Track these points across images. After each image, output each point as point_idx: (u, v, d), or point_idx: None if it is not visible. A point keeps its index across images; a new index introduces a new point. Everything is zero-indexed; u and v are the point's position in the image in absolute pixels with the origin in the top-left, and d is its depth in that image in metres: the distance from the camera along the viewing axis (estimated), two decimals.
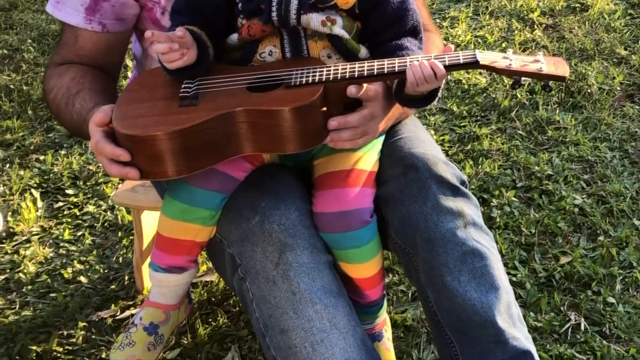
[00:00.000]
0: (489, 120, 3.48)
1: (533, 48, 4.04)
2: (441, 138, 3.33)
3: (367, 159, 1.92)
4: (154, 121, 1.73)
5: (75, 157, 3.33)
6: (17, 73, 4.01)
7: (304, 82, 1.75)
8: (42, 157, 3.36)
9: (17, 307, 2.60)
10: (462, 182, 1.97)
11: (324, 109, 1.76)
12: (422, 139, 2.05)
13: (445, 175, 1.93)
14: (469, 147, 3.29)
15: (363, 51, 1.86)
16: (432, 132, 3.39)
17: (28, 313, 2.56)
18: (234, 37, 1.86)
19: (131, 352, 1.95)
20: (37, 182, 3.19)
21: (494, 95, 3.63)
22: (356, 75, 1.75)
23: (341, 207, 1.86)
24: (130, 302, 2.58)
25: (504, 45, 4.08)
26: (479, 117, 3.51)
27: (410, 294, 2.55)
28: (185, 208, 1.87)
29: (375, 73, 1.74)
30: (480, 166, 3.15)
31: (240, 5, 1.84)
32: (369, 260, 1.94)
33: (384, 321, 2.14)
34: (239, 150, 1.75)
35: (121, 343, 1.96)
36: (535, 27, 4.27)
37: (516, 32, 4.21)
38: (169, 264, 1.95)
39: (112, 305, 2.57)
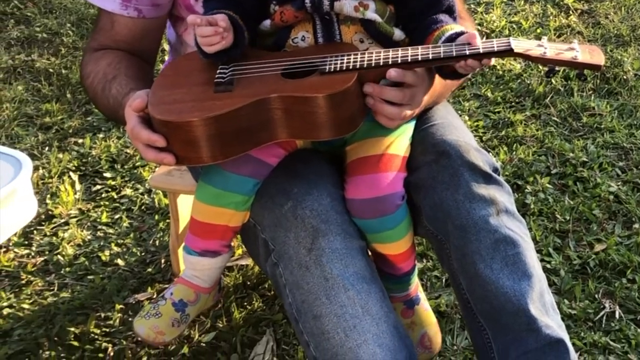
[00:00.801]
0: (523, 106, 3.48)
1: (568, 34, 4.02)
2: (475, 124, 3.33)
3: (399, 143, 1.93)
4: (190, 107, 1.75)
5: (113, 141, 3.37)
6: (57, 57, 4.06)
7: (337, 68, 1.76)
8: (80, 141, 3.40)
9: (56, 288, 2.64)
10: (495, 170, 1.98)
11: (359, 95, 1.77)
12: (454, 125, 2.06)
13: (478, 162, 1.93)
14: (503, 133, 3.29)
15: (397, 33, 1.87)
16: (466, 117, 3.40)
17: (66, 295, 2.61)
18: (267, 23, 1.88)
19: (155, 323, 1.97)
20: (76, 165, 3.24)
21: (528, 82, 3.62)
22: (390, 63, 1.76)
23: (374, 193, 1.87)
24: (167, 285, 2.61)
25: (538, 31, 4.07)
26: (513, 103, 3.51)
27: (444, 280, 2.57)
28: (219, 193, 1.89)
29: (409, 60, 1.75)
30: (514, 152, 3.15)
31: None
32: (402, 238, 1.96)
33: (417, 285, 2.17)
34: (274, 136, 1.77)
35: (147, 312, 1.98)
36: (571, 12, 4.26)
37: (551, 17, 4.20)
38: (202, 248, 1.98)
39: (149, 288, 2.61)
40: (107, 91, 2.02)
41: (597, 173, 3.02)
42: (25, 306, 2.55)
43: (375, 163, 1.89)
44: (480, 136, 3.26)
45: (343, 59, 1.78)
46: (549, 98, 3.50)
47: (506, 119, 3.38)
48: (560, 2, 4.36)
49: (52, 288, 2.65)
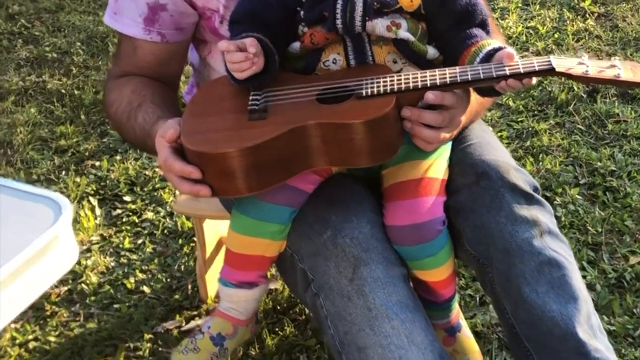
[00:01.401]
0: (546, 114, 3.43)
1: (586, 38, 3.97)
2: (499, 134, 3.29)
3: (438, 166, 1.88)
4: (224, 137, 1.70)
5: (130, 162, 3.33)
6: (68, 77, 4.01)
7: (375, 92, 1.71)
8: (97, 163, 3.36)
9: (82, 319, 2.60)
10: (535, 189, 1.93)
11: (397, 120, 1.72)
12: (491, 144, 2.01)
13: (518, 182, 1.88)
14: (528, 143, 3.24)
15: (431, 51, 1.82)
16: (490, 128, 3.34)
17: (93, 325, 2.56)
18: (296, 45, 1.83)
19: (194, 359, 1.93)
20: (94, 189, 3.19)
21: (549, 89, 3.57)
22: (429, 85, 1.71)
23: (414, 220, 1.82)
24: (195, 312, 2.57)
25: (556, 36, 4.02)
26: (536, 112, 3.46)
27: (478, 298, 2.52)
28: (254, 223, 1.84)
29: (448, 82, 1.70)
30: (541, 163, 3.10)
31: (302, 13, 1.81)
32: (443, 265, 1.90)
33: (457, 311, 2.11)
34: (311, 164, 1.72)
35: (185, 347, 1.93)
36: (587, 16, 4.21)
37: (568, 22, 4.15)
38: (239, 280, 1.93)
39: (177, 316, 2.56)
40: (132, 120, 1.98)
41: (627, 182, 2.97)
42: (52, 339, 2.51)
43: (414, 188, 1.84)
44: (504, 147, 3.21)
45: (379, 82, 1.73)
46: (572, 105, 3.44)
47: (530, 129, 3.32)
48: (577, 5, 4.31)
49: (77, 319, 2.60)
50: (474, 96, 1.88)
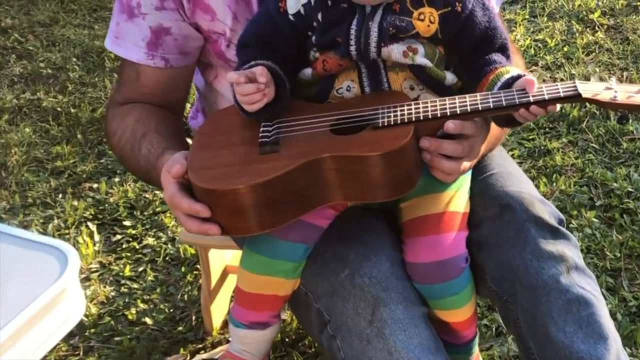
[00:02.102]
0: (558, 132, 3.33)
1: (597, 52, 3.88)
2: (510, 153, 3.19)
3: (459, 199, 1.79)
4: (234, 172, 1.60)
5: (130, 185, 3.22)
6: (64, 94, 3.91)
7: (392, 122, 1.62)
8: (95, 185, 3.25)
9: (81, 353, 2.50)
10: (560, 222, 1.84)
11: (415, 151, 1.63)
12: (514, 174, 1.92)
13: (543, 215, 1.80)
14: (540, 162, 3.14)
15: (449, 77, 1.73)
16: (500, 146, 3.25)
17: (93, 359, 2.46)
18: (308, 71, 1.74)
19: None
20: (93, 213, 3.09)
21: (561, 105, 3.46)
22: (448, 113, 1.62)
23: (436, 257, 1.73)
24: (200, 345, 2.48)
25: (565, 49, 3.93)
26: (547, 129, 3.36)
27: (494, 329, 2.43)
28: (267, 261, 1.75)
29: (469, 110, 1.61)
30: (554, 184, 3.00)
31: (314, 38, 1.72)
32: (466, 304, 1.81)
33: (477, 354, 2.01)
34: (326, 199, 1.63)
35: None
36: (597, 28, 4.12)
37: (577, 34, 4.06)
38: (250, 320, 1.83)
39: (181, 349, 2.46)
40: (136, 151, 1.88)
41: None
42: None
43: (435, 223, 1.75)
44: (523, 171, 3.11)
45: (397, 111, 1.63)
46: (584, 123, 3.34)
47: (542, 147, 3.23)
48: (585, 17, 4.22)
49: (77, 352, 2.50)
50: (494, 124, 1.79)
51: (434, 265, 1.73)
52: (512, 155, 3.18)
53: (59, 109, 3.77)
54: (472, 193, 1.84)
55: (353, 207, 1.82)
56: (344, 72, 1.73)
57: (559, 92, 1.60)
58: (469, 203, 1.83)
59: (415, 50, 1.68)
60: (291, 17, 1.73)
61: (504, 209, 1.80)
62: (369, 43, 1.67)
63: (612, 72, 3.68)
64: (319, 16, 1.70)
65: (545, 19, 4.23)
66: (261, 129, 1.67)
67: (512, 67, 1.69)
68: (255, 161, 1.61)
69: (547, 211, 1.82)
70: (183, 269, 2.78)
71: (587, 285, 1.77)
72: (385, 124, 1.62)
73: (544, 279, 1.74)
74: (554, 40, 4.01)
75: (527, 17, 4.28)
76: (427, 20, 1.68)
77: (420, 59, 1.69)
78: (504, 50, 1.73)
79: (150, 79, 1.97)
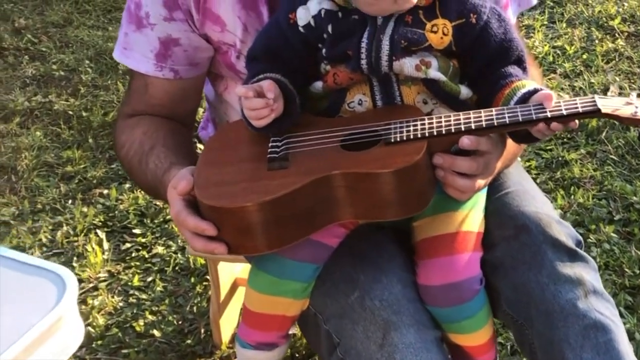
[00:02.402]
0: (576, 142, 3.26)
1: (617, 59, 3.81)
2: (527, 164, 3.13)
3: (473, 218, 1.73)
4: (242, 189, 1.56)
5: (140, 192, 3.17)
6: (75, 97, 3.87)
7: (404, 137, 1.56)
8: (105, 192, 3.21)
9: None
10: (578, 243, 1.79)
11: (428, 167, 1.58)
12: (530, 193, 1.87)
13: (561, 237, 1.74)
14: (558, 174, 3.08)
15: (464, 91, 1.67)
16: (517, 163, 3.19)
17: None
18: (318, 85, 1.69)
19: None
20: (102, 220, 3.05)
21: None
22: (463, 129, 1.56)
23: (449, 279, 1.67)
24: (208, 359, 2.43)
25: (584, 56, 3.86)
26: (565, 140, 3.30)
27: (509, 347, 2.37)
28: (274, 281, 1.70)
29: (484, 126, 1.56)
30: (572, 196, 2.94)
31: (324, 50, 1.67)
32: (482, 328, 1.75)
33: None
34: (336, 217, 1.58)
35: None
36: (617, 35, 4.04)
37: (597, 41, 3.99)
38: (257, 341, 1.78)
39: None
40: (144, 165, 1.84)
41: None
42: None
43: (448, 244, 1.69)
44: (533, 178, 3.04)
45: (409, 127, 1.58)
46: (603, 133, 3.28)
47: (560, 158, 3.16)
48: (605, 24, 4.14)
49: None
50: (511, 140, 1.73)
51: (446, 287, 1.68)
52: (529, 167, 3.12)
53: (70, 112, 3.73)
54: (487, 212, 1.79)
55: (364, 225, 1.76)
56: (355, 86, 1.68)
57: (577, 108, 1.55)
58: (484, 222, 1.77)
59: (429, 64, 1.63)
60: (301, 29, 1.68)
61: (519, 229, 1.75)
62: (380, 57, 1.62)
63: (632, 80, 3.61)
64: (329, 28, 1.65)
65: (565, 25, 4.16)
66: (270, 144, 1.63)
67: (529, 81, 1.64)
68: (264, 177, 1.57)
69: (565, 232, 1.76)
70: (193, 279, 2.74)
71: (606, 310, 1.71)
72: (398, 139, 1.56)
73: (560, 303, 1.68)
74: (573, 48, 3.94)
75: (545, 23, 4.21)
76: (440, 32, 1.63)
77: (434, 73, 1.64)
78: (520, 62, 1.68)
79: (159, 91, 1.92)
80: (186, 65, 1.90)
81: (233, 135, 1.72)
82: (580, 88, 3.59)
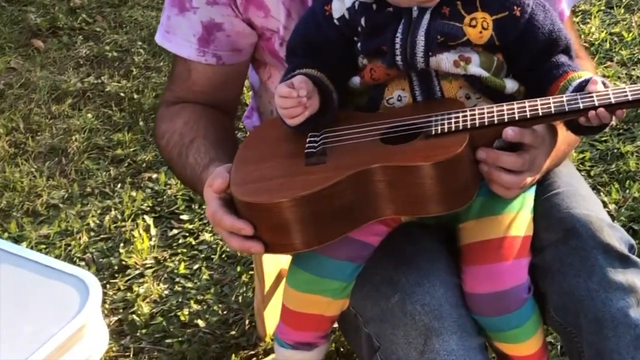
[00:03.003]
0: (633, 134, 3.16)
1: None
2: (581, 156, 3.04)
3: (521, 221, 1.68)
4: (278, 185, 1.53)
5: None
6: (128, 79, 3.86)
7: (445, 130, 1.52)
8: (154, 176, 3.19)
9: (132, 354, 2.45)
10: (631, 248, 1.73)
11: (471, 161, 1.53)
12: (581, 194, 1.80)
13: (613, 242, 1.68)
14: (613, 167, 2.99)
15: (509, 86, 1.61)
16: (568, 162, 3.11)
17: None
18: (356, 80, 1.65)
19: None
20: (150, 205, 3.03)
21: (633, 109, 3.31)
22: (506, 120, 1.51)
23: (495, 287, 1.63)
24: (252, 352, 2.41)
25: None
26: (621, 131, 3.20)
27: (559, 347, 2.31)
28: (313, 279, 1.67)
29: (528, 116, 1.51)
30: (627, 191, 2.86)
31: (359, 44, 1.63)
32: (531, 337, 1.70)
33: None
34: (376, 214, 1.54)
35: None
36: None
37: None
38: (296, 340, 1.76)
39: (233, 356, 2.40)
40: (183, 158, 1.81)
41: None
42: None
43: (495, 249, 1.64)
44: (587, 170, 2.98)
45: (450, 119, 1.53)
46: None
47: (615, 150, 3.07)
48: None
49: (127, 353, 2.46)
50: (561, 135, 1.67)
51: (492, 296, 1.63)
52: (583, 159, 3.04)
53: (122, 94, 3.72)
54: (535, 213, 1.73)
55: (407, 224, 1.72)
56: (394, 81, 1.63)
57: (626, 95, 1.49)
58: (532, 225, 1.71)
59: (468, 60, 1.58)
60: (336, 22, 1.64)
61: (569, 233, 1.69)
62: (415, 52, 1.57)
63: None
64: (363, 21, 1.61)
65: (622, 10, 4.04)
66: (307, 140, 1.59)
67: (584, 71, 1.58)
68: (301, 173, 1.54)
69: (617, 237, 1.70)
70: (239, 268, 2.71)
71: None
72: (439, 131, 1.52)
73: (611, 311, 1.62)
74: (631, 34, 3.82)
75: (602, 8, 4.08)
76: (479, 27, 1.57)
77: (474, 69, 1.58)
78: (568, 51, 1.63)
79: (201, 77, 1.90)
80: (229, 51, 1.87)
81: (270, 133, 1.70)
82: (638, 77, 3.48)
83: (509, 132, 1.52)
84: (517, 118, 1.51)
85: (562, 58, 1.60)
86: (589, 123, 1.50)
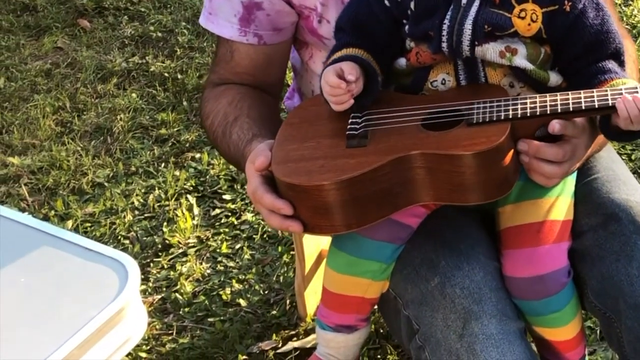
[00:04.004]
0: None
1: None
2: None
3: (560, 206, 1.68)
4: (319, 166, 1.53)
5: None
6: (172, 59, 3.88)
7: (487, 119, 1.51)
8: (197, 155, 3.22)
9: (174, 332, 2.48)
10: None
11: (512, 151, 1.52)
12: (621, 179, 1.80)
13: None
14: None
15: (553, 79, 1.61)
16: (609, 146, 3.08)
17: (185, 340, 2.44)
18: (402, 61, 1.65)
19: None
20: (193, 184, 3.06)
21: None
22: (548, 112, 1.51)
23: (535, 271, 1.63)
24: (293, 332, 2.43)
25: None
26: None
27: (598, 332, 2.30)
28: (353, 260, 1.68)
29: (571, 109, 1.50)
30: None
31: (407, 27, 1.63)
32: (570, 322, 1.71)
33: None
34: (415, 199, 1.54)
35: None
36: None
37: None
38: (336, 323, 1.77)
39: (274, 335, 2.42)
40: (227, 136, 1.83)
41: None
42: (143, 355, 2.39)
43: (534, 233, 1.64)
44: (628, 154, 2.95)
45: (493, 107, 1.53)
46: None
47: None
48: None
49: (170, 331, 2.49)
50: None
51: (532, 280, 1.63)
52: (623, 147, 3.00)
53: (166, 74, 3.74)
54: (575, 198, 1.73)
55: (446, 206, 1.72)
56: (439, 65, 1.63)
57: None
58: (572, 209, 1.71)
59: (515, 51, 1.57)
60: (386, 3, 1.65)
61: (608, 218, 1.69)
62: (461, 41, 1.57)
63: None
64: (412, 4, 1.61)
65: None
66: (349, 121, 1.60)
67: (629, 79, 1.56)
68: (342, 155, 1.54)
69: None
70: (280, 248, 2.73)
71: None
72: (480, 120, 1.52)
73: None
74: None
75: None
76: (528, 19, 1.56)
77: (519, 61, 1.57)
78: (617, 56, 1.61)
79: (244, 57, 1.91)
80: (270, 31, 1.88)
81: (312, 111, 1.70)
82: None
83: (556, 126, 1.51)
84: (559, 110, 1.50)
85: (610, 64, 1.59)
86: (631, 127, 1.48)
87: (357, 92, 1.58)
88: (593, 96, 1.49)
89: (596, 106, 1.48)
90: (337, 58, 1.62)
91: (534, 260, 1.63)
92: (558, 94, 1.53)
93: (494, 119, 1.51)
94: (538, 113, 1.51)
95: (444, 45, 1.58)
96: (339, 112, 1.62)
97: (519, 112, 1.51)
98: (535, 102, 1.52)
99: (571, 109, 1.50)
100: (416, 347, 1.66)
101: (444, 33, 1.57)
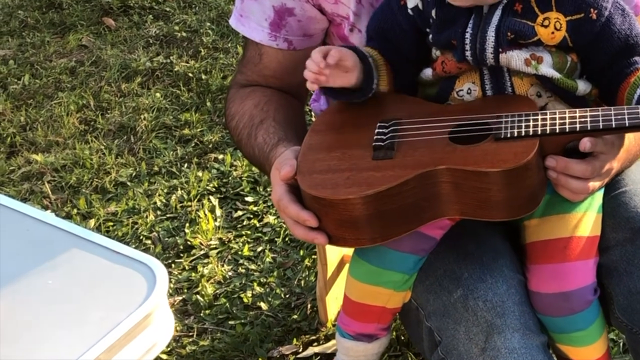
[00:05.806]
0: None
1: None
2: None
3: (588, 220, 1.65)
4: (345, 179, 1.52)
5: None
6: (196, 59, 3.88)
7: (515, 134, 1.49)
8: (220, 157, 3.21)
9: (195, 335, 2.48)
10: None
11: (539, 168, 1.51)
12: None
13: None
14: None
15: (582, 87, 1.59)
16: None
17: (205, 343, 2.44)
18: (428, 72, 1.65)
19: None
20: (216, 186, 3.06)
21: None
22: (578, 129, 1.49)
23: (561, 288, 1.61)
24: (313, 337, 2.42)
25: None
26: None
27: (621, 345, 2.28)
28: (375, 270, 1.67)
29: (601, 127, 1.48)
30: None
31: (431, 36, 1.62)
32: (595, 342, 1.68)
33: None
34: (440, 213, 1.53)
35: None
36: None
37: None
38: (357, 331, 1.76)
39: (294, 339, 2.42)
40: (252, 139, 1.82)
41: None
42: (163, 356, 2.39)
43: (561, 249, 1.62)
44: None
45: (521, 122, 1.51)
46: None
47: None
48: None
49: (191, 333, 2.48)
50: (632, 136, 1.64)
51: (557, 296, 1.61)
52: None
53: (190, 74, 3.74)
54: (602, 212, 1.70)
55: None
56: (465, 74, 1.62)
57: None
58: (600, 224, 1.69)
59: (540, 59, 1.56)
60: (410, 12, 1.64)
61: (637, 232, 1.67)
62: (485, 49, 1.56)
63: None
64: (433, 13, 1.60)
65: None
66: (376, 131, 1.59)
67: None
68: (368, 168, 1.53)
69: None
70: (302, 252, 2.72)
71: None
72: (508, 135, 1.50)
73: None
74: None
75: None
76: (551, 27, 1.54)
77: (545, 69, 1.56)
78: None
79: (272, 61, 1.91)
80: (300, 36, 1.87)
81: (338, 118, 1.69)
82: None
83: (587, 144, 1.49)
84: (589, 128, 1.48)
85: (637, 57, 1.57)
86: None
87: (345, 83, 1.59)
88: (624, 114, 1.47)
89: (627, 125, 1.46)
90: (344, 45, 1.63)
91: (559, 277, 1.61)
92: (588, 109, 1.51)
93: (522, 134, 1.50)
94: (567, 130, 1.49)
95: (468, 53, 1.57)
96: (365, 121, 1.61)
97: (548, 128, 1.49)
98: (564, 118, 1.50)
99: (601, 127, 1.48)
100: (438, 359, 1.65)
101: (467, 41, 1.56)
